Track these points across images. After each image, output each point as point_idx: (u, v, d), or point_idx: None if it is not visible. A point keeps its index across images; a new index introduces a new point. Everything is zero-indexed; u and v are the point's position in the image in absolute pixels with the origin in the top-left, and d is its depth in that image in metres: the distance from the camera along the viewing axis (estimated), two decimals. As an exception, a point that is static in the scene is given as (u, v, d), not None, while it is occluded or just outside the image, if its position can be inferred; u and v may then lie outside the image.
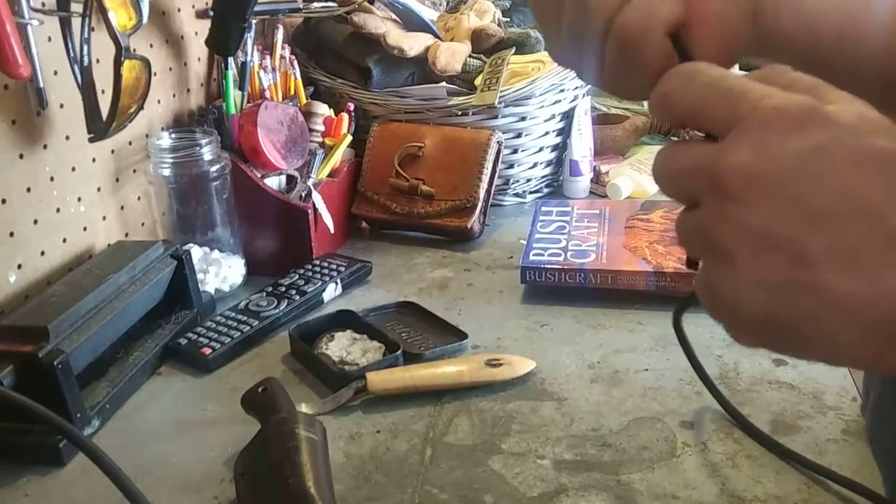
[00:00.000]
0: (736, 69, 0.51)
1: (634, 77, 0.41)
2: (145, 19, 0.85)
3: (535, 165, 1.21)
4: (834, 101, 0.32)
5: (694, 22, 0.40)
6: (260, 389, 0.69)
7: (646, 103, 1.26)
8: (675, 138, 0.34)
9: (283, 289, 0.92)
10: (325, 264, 0.97)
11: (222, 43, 1.00)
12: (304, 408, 0.72)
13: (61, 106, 0.84)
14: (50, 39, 0.81)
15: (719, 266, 0.33)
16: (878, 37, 0.43)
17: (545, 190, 1.25)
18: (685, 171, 0.34)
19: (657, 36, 0.40)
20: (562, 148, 1.22)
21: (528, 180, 1.22)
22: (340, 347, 0.81)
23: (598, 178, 1.24)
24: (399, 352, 0.79)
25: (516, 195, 1.22)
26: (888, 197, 0.30)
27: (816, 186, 0.31)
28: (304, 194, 1.01)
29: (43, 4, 0.79)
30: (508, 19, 1.30)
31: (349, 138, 1.09)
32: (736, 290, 0.32)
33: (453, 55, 1.13)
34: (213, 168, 0.92)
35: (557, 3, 0.42)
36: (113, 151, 0.92)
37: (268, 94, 1.07)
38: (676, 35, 0.40)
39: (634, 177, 1.21)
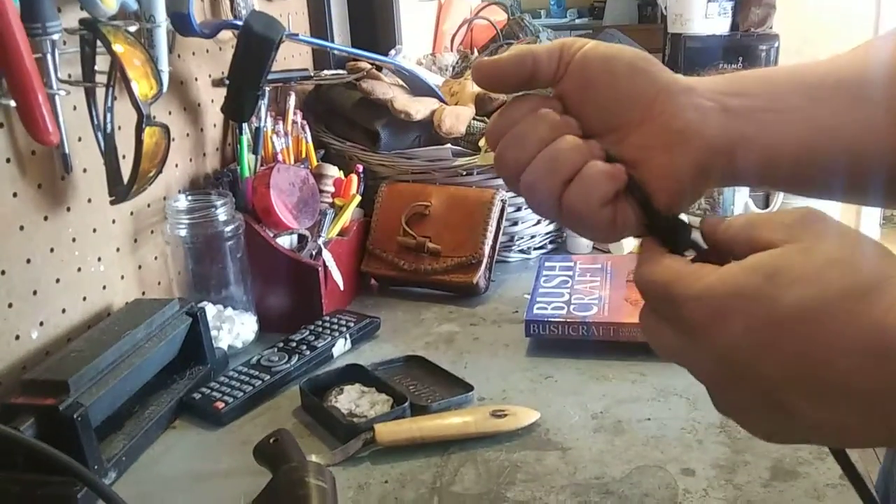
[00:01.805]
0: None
1: (594, 232, 0.47)
2: (165, 89, 0.90)
3: (538, 222, 1.24)
4: (763, 245, 0.38)
5: (645, 178, 0.46)
6: (271, 440, 0.71)
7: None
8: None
9: (294, 344, 0.95)
10: (335, 320, 1.00)
11: (237, 110, 1.05)
12: (314, 459, 0.74)
13: (84, 170, 0.88)
14: (75, 108, 0.85)
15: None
16: (839, 157, 0.47)
17: (549, 246, 1.28)
18: (669, 356, 0.42)
19: (595, 209, 0.45)
20: (565, 205, 1.25)
21: (533, 237, 1.25)
22: (349, 400, 0.83)
23: (600, 235, 1.27)
24: (406, 404, 0.81)
25: (521, 251, 1.25)
26: (824, 346, 0.36)
27: (756, 364, 0.37)
28: (314, 253, 1.05)
29: (69, 76, 0.84)
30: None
31: (358, 198, 1.13)
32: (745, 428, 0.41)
33: (458, 118, 1.18)
34: (228, 228, 0.96)
35: (518, 159, 0.47)
36: (132, 213, 0.97)
37: (280, 157, 1.11)
38: (632, 186, 0.45)
39: (636, 233, 1.24)
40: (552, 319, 0.95)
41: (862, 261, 0.36)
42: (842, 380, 0.35)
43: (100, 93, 0.86)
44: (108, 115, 0.86)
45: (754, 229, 0.39)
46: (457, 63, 1.63)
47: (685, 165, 0.45)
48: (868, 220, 3.28)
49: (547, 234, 1.26)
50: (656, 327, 0.42)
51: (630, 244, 1.22)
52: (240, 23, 1.01)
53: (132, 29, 0.85)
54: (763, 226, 0.39)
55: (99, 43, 0.80)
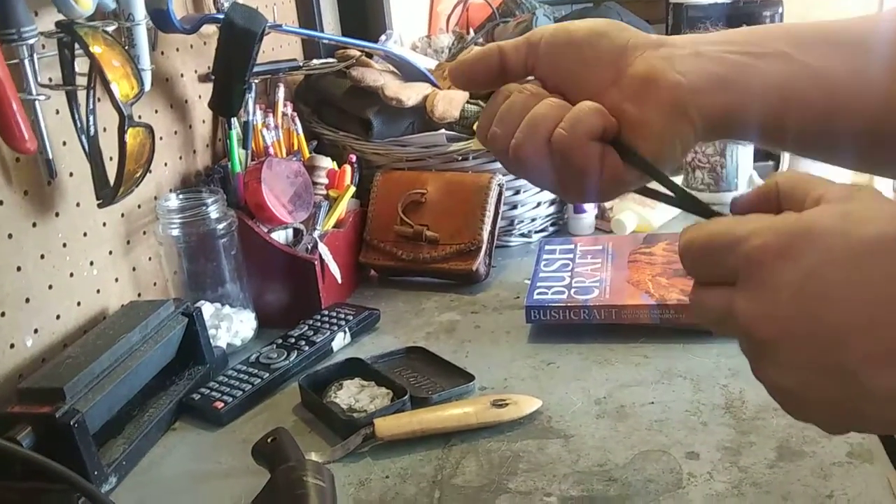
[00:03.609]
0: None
1: (579, 181, 0.47)
2: (147, 88, 0.88)
3: (538, 205, 1.22)
4: (819, 196, 0.36)
5: (626, 128, 0.46)
6: (269, 440, 0.71)
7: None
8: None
9: (293, 340, 0.94)
10: (334, 314, 0.99)
11: (225, 104, 1.03)
12: (314, 456, 0.73)
13: (71, 175, 0.87)
14: (58, 112, 0.84)
15: (775, 394, 0.38)
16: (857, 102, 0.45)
17: (550, 228, 1.26)
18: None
19: (582, 143, 0.45)
20: (564, 186, 1.23)
21: (533, 220, 1.23)
22: (349, 395, 0.82)
23: (602, 214, 1.26)
24: (406, 397, 0.80)
25: (522, 235, 1.23)
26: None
27: (826, 305, 0.34)
28: (310, 246, 1.04)
29: (50, 80, 0.83)
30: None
31: (352, 189, 1.12)
32: (794, 410, 0.37)
33: (451, 102, 1.16)
34: (221, 225, 0.95)
35: (505, 131, 0.48)
36: (123, 215, 0.96)
37: (271, 150, 1.10)
38: (616, 139, 0.46)
39: (638, 211, 1.22)
40: (553, 304, 0.93)
41: None
42: None
43: (81, 95, 0.85)
44: (91, 118, 0.85)
45: (808, 188, 0.37)
46: (452, 45, 1.61)
47: (656, 107, 0.45)
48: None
49: (548, 216, 1.25)
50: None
51: (632, 223, 1.20)
52: (221, 16, 1.00)
53: (110, 29, 0.83)
54: (817, 186, 0.37)
55: (77, 45, 0.79)
